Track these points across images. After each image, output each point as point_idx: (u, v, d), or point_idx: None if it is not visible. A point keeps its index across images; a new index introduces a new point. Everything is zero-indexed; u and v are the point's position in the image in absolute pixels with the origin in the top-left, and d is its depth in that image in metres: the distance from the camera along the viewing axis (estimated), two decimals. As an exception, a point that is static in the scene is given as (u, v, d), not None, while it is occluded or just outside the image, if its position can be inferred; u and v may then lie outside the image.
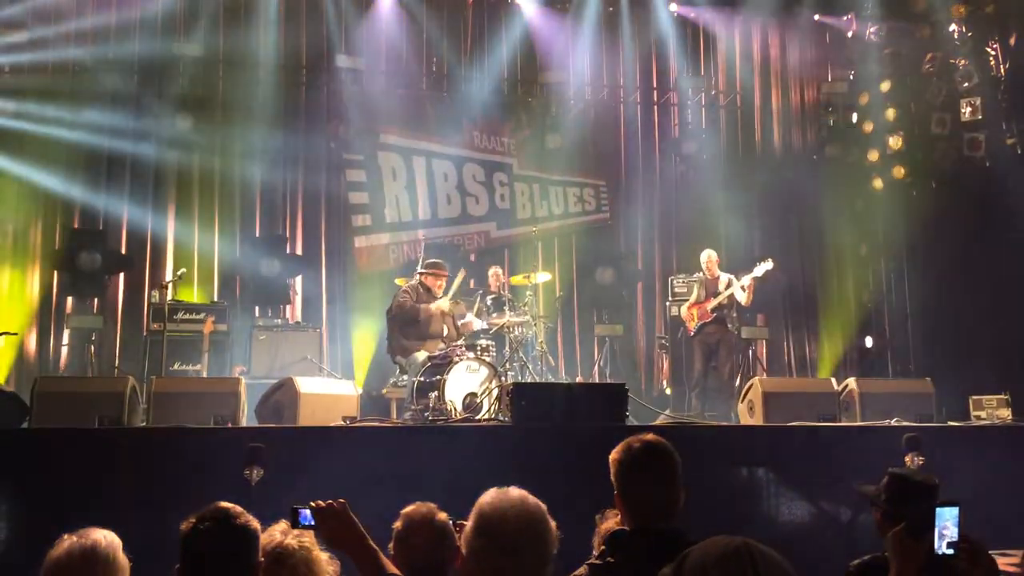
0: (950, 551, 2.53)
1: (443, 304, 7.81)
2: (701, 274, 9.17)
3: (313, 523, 2.57)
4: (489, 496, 2.12)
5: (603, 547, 2.55)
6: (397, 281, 8.80)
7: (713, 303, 8.83)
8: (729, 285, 8.80)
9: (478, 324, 8.34)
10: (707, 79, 11.83)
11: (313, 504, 2.57)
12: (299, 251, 10.57)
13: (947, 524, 2.54)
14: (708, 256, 9.13)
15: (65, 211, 9.77)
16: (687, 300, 9.27)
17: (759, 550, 1.48)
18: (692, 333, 9.02)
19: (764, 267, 8.75)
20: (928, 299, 10.43)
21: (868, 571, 2.89)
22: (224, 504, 2.42)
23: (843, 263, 11.63)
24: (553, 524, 2.09)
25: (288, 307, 10.14)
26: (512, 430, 5.74)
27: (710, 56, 11.93)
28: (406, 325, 7.78)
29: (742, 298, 8.77)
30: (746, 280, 8.72)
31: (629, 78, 11.80)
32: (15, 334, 8.98)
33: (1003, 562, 2.85)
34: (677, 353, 9.65)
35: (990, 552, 2.59)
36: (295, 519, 2.59)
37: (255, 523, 2.42)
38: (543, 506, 2.11)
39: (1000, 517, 4.61)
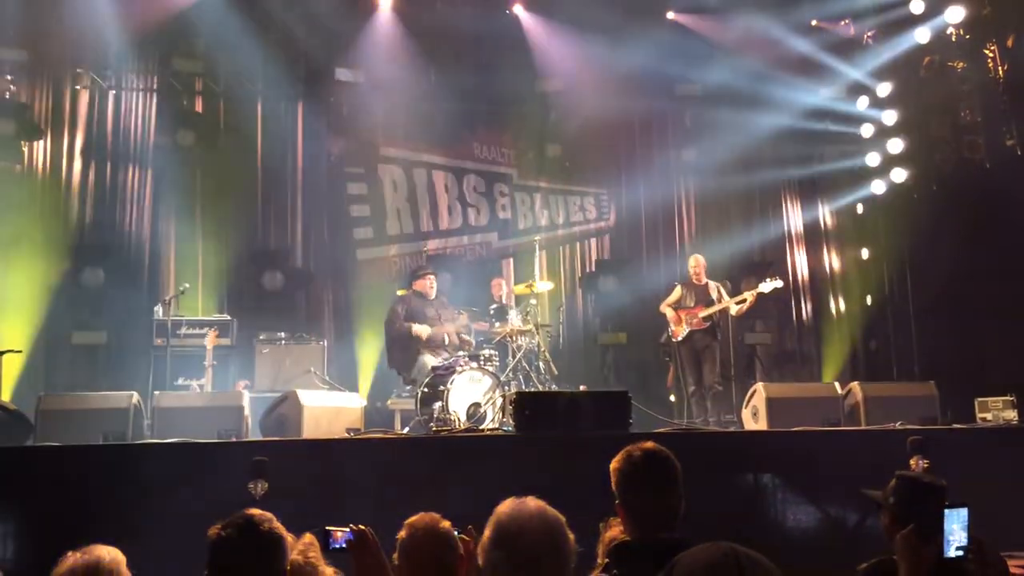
0: (959, 553, 2.52)
1: (423, 331, 7.86)
2: (688, 278, 8.98)
3: (344, 547, 2.55)
4: (507, 506, 2.07)
5: (607, 558, 2.54)
6: (399, 293, 8.85)
7: (706, 312, 8.65)
8: (719, 293, 8.71)
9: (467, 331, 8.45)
10: (705, 85, 11.82)
11: (352, 527, 2.55)
12: (302, 264, 10.59)
13: (956, 526, 2.54)
14: (696, 260, 9.00)
15: (69, 228, 9.78)
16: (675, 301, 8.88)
17: (746, 555, 1.48)
18: (679, 338, 8.73)
19: (773, 284, 8.66)
20: (931, 301, 10.40)
21: (876, 574, 2.87)
22: (251, 511, 2.42)
23: (846, 266, 11.64)
24: (572, 536, 2.05)
25: (291, 320, 10.15)
26: (516, 439, 5.73)
27: (708, 62, 11.92)
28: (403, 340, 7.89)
29: (734, 310, 8.70)
30: (749, 295, 8.62)
31: (628, 86, 11.79)
32: (19, 351, 8.98)
33: (1011, 564, 2.84)
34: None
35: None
36: (325, 541, 2.58)
37: (282, 530, 2.42)
38: (561, 517, 2.07)
39: (1006, 520, 4.59)
